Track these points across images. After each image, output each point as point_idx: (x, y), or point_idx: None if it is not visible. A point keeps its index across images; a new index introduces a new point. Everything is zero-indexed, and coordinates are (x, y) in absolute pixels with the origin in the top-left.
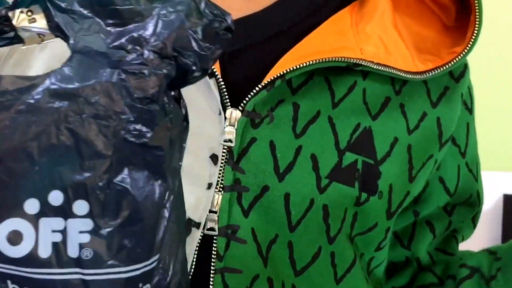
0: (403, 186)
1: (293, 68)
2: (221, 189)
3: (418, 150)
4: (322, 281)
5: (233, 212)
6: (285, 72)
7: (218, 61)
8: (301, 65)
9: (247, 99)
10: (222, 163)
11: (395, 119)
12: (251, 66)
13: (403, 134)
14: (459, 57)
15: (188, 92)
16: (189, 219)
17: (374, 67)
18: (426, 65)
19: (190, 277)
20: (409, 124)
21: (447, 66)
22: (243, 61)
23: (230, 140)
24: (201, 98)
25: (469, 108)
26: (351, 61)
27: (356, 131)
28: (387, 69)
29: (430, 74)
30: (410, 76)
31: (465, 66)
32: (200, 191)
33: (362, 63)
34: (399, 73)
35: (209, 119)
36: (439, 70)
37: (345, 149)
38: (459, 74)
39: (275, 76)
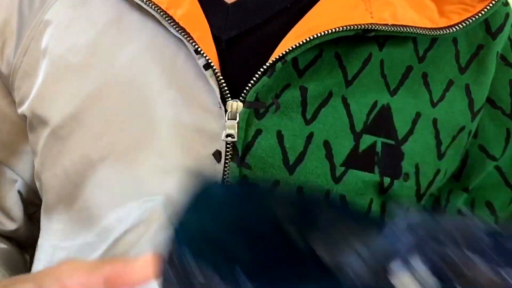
0: (432, 164)
1: (292, 47)
2: None
3: (445, 123)
4: None
5: None
6: (284, 53)
7: (215, 50)
8: (300, 43)
9: (247, 88)
10: (226, 160)
11: (416, 93)
12: (252, 52)
13: (426, 108)
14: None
15: (186, 86)
16: None
17: (389, 29)
18: (456, 16)
19: None
20: (433, 96)
21: (479, 15)
22: (243, 47)
23: (231, 135)
24: (200, 92)
25: (510, 63)
26: (359, 28)
27: (373, 110)
28: (406, 29)
29: (458, 27)
30: (435, 32)
31: (506, 16)
32: None
33: (373, 28)
34: (420, 31)
35: (210, 114)
36: (470, 21)
37: (362, 131)
38: (497, 27)
39: (275, 59)
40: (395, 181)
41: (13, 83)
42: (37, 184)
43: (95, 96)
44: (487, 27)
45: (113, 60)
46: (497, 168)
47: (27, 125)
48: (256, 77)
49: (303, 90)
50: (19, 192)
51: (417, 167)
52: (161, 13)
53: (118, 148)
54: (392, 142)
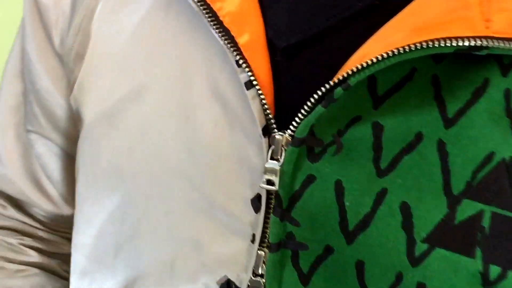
0: None
1: (368, 63)
2: (268, 246)
3: None
4: None
5: (286, 278)
6: (354, 69)
7: (264, 62)
8: (381, 57)
9: (297, 119)
10: (268, 210)
11: None
12: (318, 66)
13: None
14: None
15: (231, 102)
16: (228, 281)
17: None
18: None
19: None
20: None
21: None
22: (306, 59)
23: (271, 182)
24: (243, 113)
25: None
26: (464, 45)
27: (485, 165)
28: None
29: None
30: None
31: None
32: (240, 243)
33: (489, 45)
34: None
35: (254, 145)
36: None
37: (462, 195)
38: None
39: (334, 82)
40: (509, 273)
41: (67, 65)
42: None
43: (132, 96)
44: None
45: (156, 58)
46: None
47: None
48: (308, 105)
49: (378, 128)
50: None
51: None
52: (202, 6)
53: (151, 167)
54: (509, 214)
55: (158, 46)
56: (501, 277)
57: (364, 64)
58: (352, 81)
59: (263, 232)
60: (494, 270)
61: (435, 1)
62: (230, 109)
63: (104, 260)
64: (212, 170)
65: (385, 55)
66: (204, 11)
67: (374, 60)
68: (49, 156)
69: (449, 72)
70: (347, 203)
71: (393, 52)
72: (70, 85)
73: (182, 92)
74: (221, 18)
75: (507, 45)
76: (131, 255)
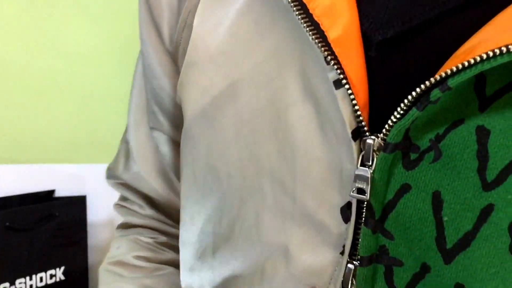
0: None
1: (475, 60)
2: (358, 260)
3: None
4: None
5: None
6: (457, 68)
7: (357, 59)
8: (492, 54)
9: (390, 122)
10: (358, 221)
11: None
12: (416, 63)
13: None
14: None
15: (322, 103)
16: None
17: None
18: None
19: None
20: None
21: None
22: (403, 55)
23: (362, 191)
24: (334, 114)
25: None
26: None
27: None
28: None
29: None
30: None
31: None
32: (330, 254)
33: None
34: None
35: (346, 148)
36: None
37: None
38: None
39: (430, 83)
40: None
41: (176, 61)
42: None
43: (227, 93)
44: None
45: (250, 53)
46: None
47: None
48: (402, 107)
49: (484, 133)
50: None
51: None
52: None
53: (244, 168)
54: None
55: (253, 41)
56: None
57: (470, 62)
58: (452, 83)
59: (354, 244)
60: None
61: None
62: (322, 109)
63: (205, 258)
64: (304, 174)
65: (497, 51)
66: (292, 4)
67: (484, 56)
68: (173, 155)
69: None
70: (445, 218)
71: (507, 47)
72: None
73: (274, 89)
74: (310, 11)
75: None
76: (227, 255)
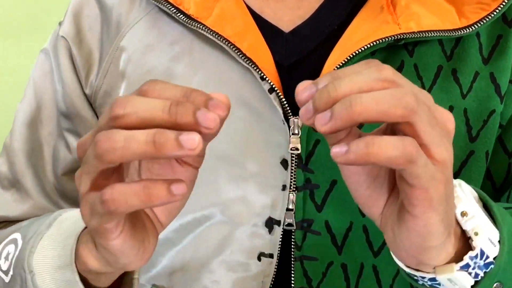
0: (464, 147)
1: (337, 67)
2: (294, 189)
3: (475, 111)
4: None
5: (307, 208)
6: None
7: (277, 76)
8: (344, 61)
9: None
10: (292, 167)
11: (448, 88)
12: (310, 73)
13: (458, 100)
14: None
15: (254, 106)
16: (270, 218)
17: (415, 36)
18: (474, 16)
19: (276, 265)
20: (463, 89)
21: (495, 13)
22: (302, 70)
23: (296, 148)
24: (266, 111)
25: None
26: (390, 40)
27: None
28: (430, 34)
29: (477, 26)
30: (456, 33)
31: None
32: (275, 193)
33: (402, 37)
34: (443, 34)
35: (276, 129)
36: (487, 19)
37: None
38: None
39: None
40: None
41: (95, 102)
42: None
43: None
44: (504, 17)
45: (187, 84)
46: None
47: None
48: None
49: None
50: None
51: None
52: (230, 45)
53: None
54: None
55: (187, 78)
56: None
57: (339, 65)
58: None
59: (291, 182)
60: None
61: (364, 22)
62: (253, 110)
63: None
64: (249, 149)
65: (349, 56)
66: (231, 47)
67: (345, 61)
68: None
69: (381, 60)
70: None
71: (354, 53)
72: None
73: None
74: (244, 51)
75: (412, 35)
76: None
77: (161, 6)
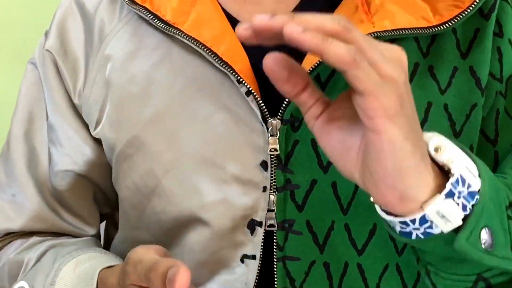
0: None
1: (312, 67)
2: (275, 190)
3: (457, 106)
4: (385, 253)
5: (288, 208)
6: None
7: (254, 78)
8: (319, 62)
9: (283, 107)
10: (272, 168)
11: (424, 85)
12: None
13: (436, 96)
14: None
15: (233, 109)
16: (252, 219)
17: (389, 34)
18: (447, 13)
19: (258, 265)
20: (441, 85)
21: (469, 10)
22: None
23: (275, 149)
24: (244, 113)
25: (497, 32)
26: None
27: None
28: (404, 31)
29: (451, 23)
30: (430, 31)
31: None
32: (256, 194)
33: (376, 35)
34: (417, 31)
35: (254, 131)
36: (461, 17)
37: None
38: (489, 8)
39: None
40: None
41: (85, 111)
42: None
43: (154, 120)
44: (480, 11)
45: (167, 90)
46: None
47: (103, 145)
48: (288, 99)
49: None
50: (95, 199)
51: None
52: (206, 50)
53: (179, 163)
54: None
55: (168, 84)
56: None
57: (314, 66)
58: (312, 76)
59: (271, 184)
60: None
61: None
62: (233, 112)
63: None
64: (229, 152)
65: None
66: (208, 53)
67: (318, 63)
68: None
69: None
70: (320, 150)
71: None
72: (87, 125)
73: (192, 109)
74: (220, 55)
75: (386, 34)
76: None
77: (139, 13)
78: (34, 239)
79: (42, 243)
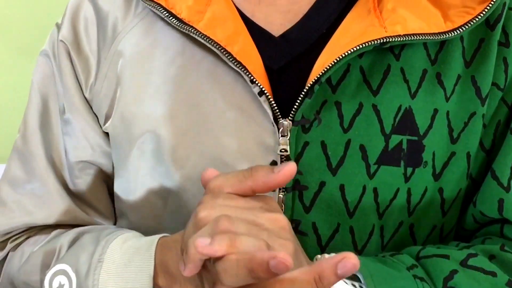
0: (446, 148)
1: (324, 69)
2: (284, 190)
3: (456, 113)
4: (376, 252)
5: (296, 209)
6: (319, 75)
7: (267, 79)
8: (331, 64)
9: (294, 109)
10: None
11: (432, 92)
12: (298, 77)
13: (442, 104)
14: (492, 2)
15: (245, 108)
16: None
17: (401, 39)
18: (459, 19)
19: None
20: (447, 92)
21: (480, 16)
22: (291, 74)
23: (285, 150)
24: (256, 113)
25: (503, 42)
26: (376, 43)
27: (398, 113)
28: (416, 37)
29: (462, 29)
30: (441, 37)
31: (504, 5)
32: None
33: (388, 40)
34: (428, 37)
35: (265, 131)
36: (472, 23)
37: (391, 133)
38: (495, 19)
39: (312, 82)
40: (416, 169)
41: (95, 105)
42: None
43: (167, 115)
44: (487, 21)
45: (180, 87)
46: None
47: (110, 140)
48: (299, 100)
49: (338, 104)
50: (109, 191)
51: (433, 154)
52: (221, 49)
53: (192, 160)
54: (415, 138)
55: (180, 81)
56: (413, 173)
57: (326, 68)
58: (323, 79)
59: None
60: (409, 170)
61: (351, 26)
62: (244, 112)
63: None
64: (240, 151)
65: (336, 60)
66: (222, 52)
67: (331, 64)
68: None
69: (368, 62)
70: (329, 153)
71: (340, 56)
72: (97, 118)
73: (204, 106)
74: (234, 55)
75: (398, 39)
76: None
77: (155, 10)
78: (58, 230)
79: (70, 231)
